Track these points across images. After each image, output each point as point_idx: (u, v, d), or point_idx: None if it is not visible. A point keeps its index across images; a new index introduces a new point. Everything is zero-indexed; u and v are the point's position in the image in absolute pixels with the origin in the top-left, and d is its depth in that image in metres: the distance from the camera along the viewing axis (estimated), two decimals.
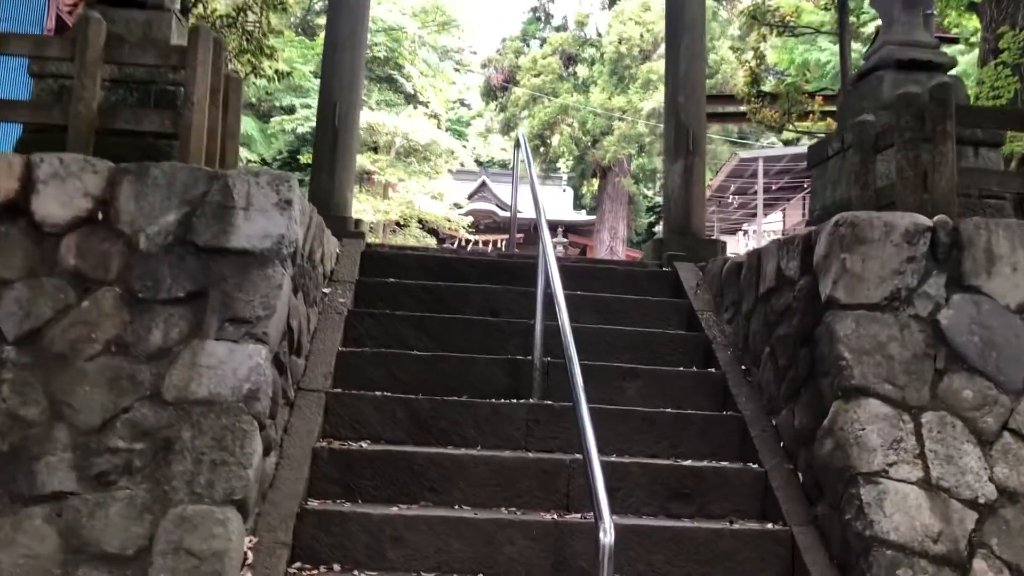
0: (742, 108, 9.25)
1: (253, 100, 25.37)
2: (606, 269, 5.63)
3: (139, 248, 3.58)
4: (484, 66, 31.54)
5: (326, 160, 7.56)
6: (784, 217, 17.15)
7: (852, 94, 5.87)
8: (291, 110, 25.86)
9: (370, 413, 4.09)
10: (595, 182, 28.91)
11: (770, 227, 17.50)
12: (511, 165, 36.47)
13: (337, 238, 5.54)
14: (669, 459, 4.05)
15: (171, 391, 3.35)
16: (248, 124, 24.24)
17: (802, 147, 14.19)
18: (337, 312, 4.73)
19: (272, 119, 25.84)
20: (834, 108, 10.43)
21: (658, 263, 6.15)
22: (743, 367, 4.63)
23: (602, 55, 26.70)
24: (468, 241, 28.97)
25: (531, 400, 4.27)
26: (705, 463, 4.01)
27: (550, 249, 4.49)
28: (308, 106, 24.15)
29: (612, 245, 25.80)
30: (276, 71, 8.64)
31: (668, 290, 5.55)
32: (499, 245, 32.68)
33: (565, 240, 30.06)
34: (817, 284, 3.90)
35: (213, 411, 3.31)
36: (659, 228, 28.82)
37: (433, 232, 26.40)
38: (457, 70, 38.83)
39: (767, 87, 10.33)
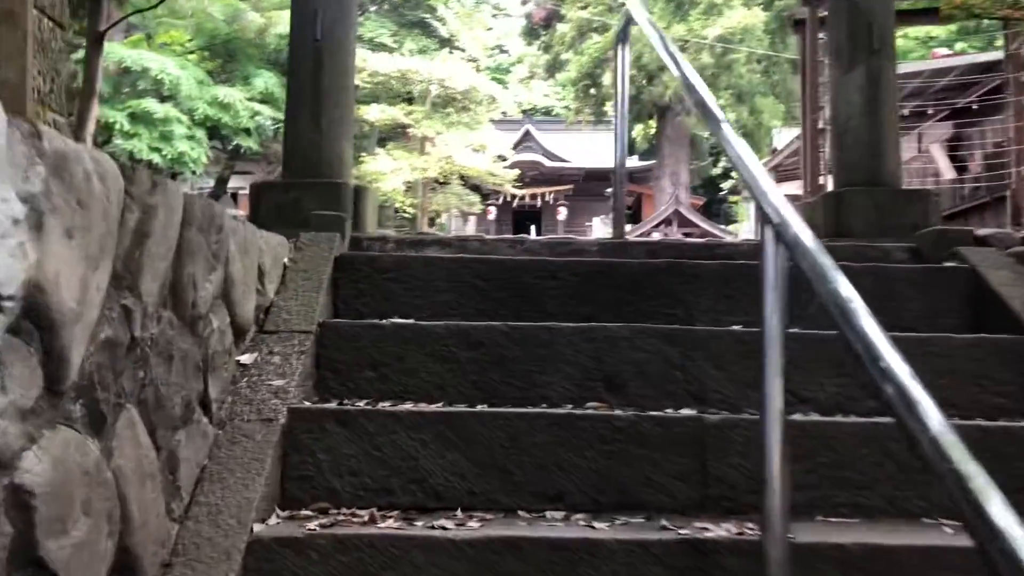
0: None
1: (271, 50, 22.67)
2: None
3: None
4: (524, 2, 28.24)
5: (306, 97, 4.83)
6: None
7: None
8: None
9: None
10: (651, 124, 25.69)
11: None
12: (555, 112, 33.40)
13: (306, 228, 2.81)
14: None
15: None
16: (270, 80, 21.55)
17: (947, 61, 10.92)
18: (264, 418, 1.98)
19: None
20: None
21: (906, 248, 3.22)
22: None
23: None
24: (514, 196, 26.12)
25: None
26: None
27: (793, 215, 1.63)
28: None
29: (676, 193, 22.71)
30: None
31: (965, 311, 2.65)
32: (548, 198, 29.78)
33: None
34: None
35: None
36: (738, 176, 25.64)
37: (476, 188, 23.57)
38: (495, 15, 35.50)
39: None
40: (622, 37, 3.41)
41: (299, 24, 4.93)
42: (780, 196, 1.67)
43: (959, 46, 17.97)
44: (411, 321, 2.40)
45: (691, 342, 2.29)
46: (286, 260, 2.54)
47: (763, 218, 1.64)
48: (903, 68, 11.32)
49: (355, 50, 5.08)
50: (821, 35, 7.82)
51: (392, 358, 2.28)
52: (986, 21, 6.66)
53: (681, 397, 2.24)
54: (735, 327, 2.39)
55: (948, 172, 12.72)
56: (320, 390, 2.25)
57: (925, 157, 13.72)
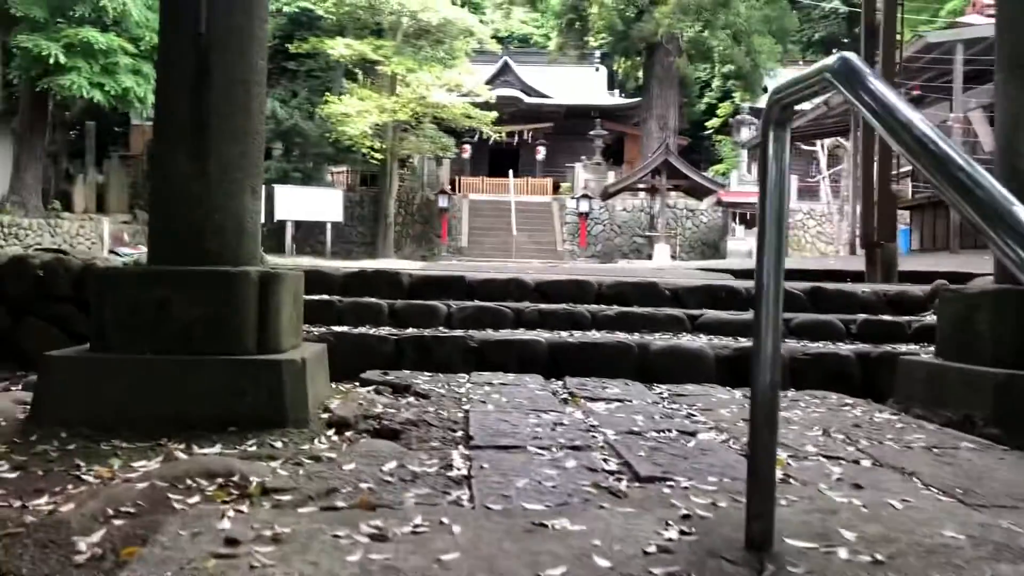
0: None
1: None
2: None
3: None
4: None
5: (183, 125, 2.93)
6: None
7: None
8: None
9: None
10: (638, 61, 23.39)
11: None
12: (534, 41, 30.63)
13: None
14: None
15: None
16: None
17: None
18: None
19: None
20: None
21: None
22: None
23: None
24: (490, 137, 23.83)
25: None
26: None
27: None
28: None
29: (666, 140, 20.63)
30: None
31: None
32: (526, 136, 27.52)
33: (604, 132, 24.82)
34: None
35: None
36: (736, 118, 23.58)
37: (451, 131, 21.33)
38: None
39: None
40: (777, 120, 1.47)
41: (171, 8, 2.97)
42: None
43: None
44: None
45: None
46: None
47: None
48: (976, 30, 9.38)
49: (265, 42, 3.09)
50: None
51: None
52: None
53: None
54: None
55: (991, 143, 10.93)
56: None
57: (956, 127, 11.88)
